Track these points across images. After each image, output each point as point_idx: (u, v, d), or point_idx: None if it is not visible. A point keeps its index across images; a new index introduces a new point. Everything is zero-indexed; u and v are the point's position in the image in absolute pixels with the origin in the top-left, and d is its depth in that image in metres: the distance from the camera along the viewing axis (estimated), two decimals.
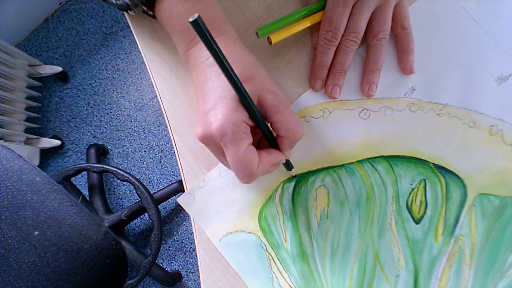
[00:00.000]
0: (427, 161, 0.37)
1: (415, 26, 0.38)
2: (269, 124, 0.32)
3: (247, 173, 0.30)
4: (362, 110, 0.38)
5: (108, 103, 1.31)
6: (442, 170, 0.37)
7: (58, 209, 0.47)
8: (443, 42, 0.39)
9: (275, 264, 0.37)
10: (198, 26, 0.23)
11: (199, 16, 0.23)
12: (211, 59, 0.31)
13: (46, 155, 1.29)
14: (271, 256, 0.37)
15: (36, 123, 1.28)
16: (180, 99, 0.40)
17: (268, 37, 0.37)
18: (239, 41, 0.34)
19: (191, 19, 0.22)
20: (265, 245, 0.37)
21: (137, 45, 0.42)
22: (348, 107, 0.39)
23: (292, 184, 0.38)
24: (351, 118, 0.38)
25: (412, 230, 0.36)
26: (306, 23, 0.38)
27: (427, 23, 0.39)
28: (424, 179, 0.37)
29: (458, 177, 0.36)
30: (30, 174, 0.49)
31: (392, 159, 0.37)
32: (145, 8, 0.36)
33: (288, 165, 0.37)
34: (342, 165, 0.38)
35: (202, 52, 0.33)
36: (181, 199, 0.38)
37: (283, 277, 0.37)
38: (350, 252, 0.37)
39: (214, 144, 0.30)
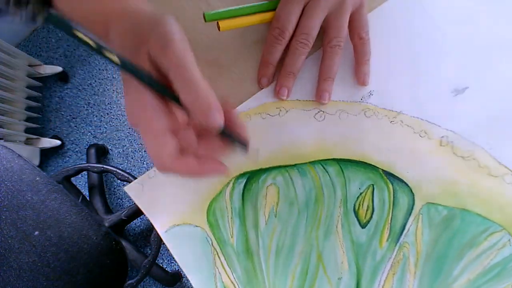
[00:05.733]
0: (376, 166, 0.35)
1: (378, 30, 0.37)
2: None
3: (156, 160, 0.24)
4: (318, 112, 0.37)
5: (108, 103, 1.29)
6: (391, 176, 0.35)
7: (58, 209, 0.46)
8: (404, 48, 0.38)
9: (219, 259, 0.35)
10: (55, 23, 0.20)
11: (51, 13, 0.19)
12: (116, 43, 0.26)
13: (46, 155, 1.26)
14: (216, 251, 0.35)
15: (36, 123, 1.26)
16: None
17: (217, 22, 0.35)
18: (142, 10, 0.27)
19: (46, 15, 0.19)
20: (211, 240, 0.35)
21: None
22: (305, 107, 0.37)
23: (244, 180, 0.37)
24: (306, 118, 0.37)
25: (357, 234, 0.34)
26: (260, 18, 0.36)
27: (391, 27, 0.38)
28: (373, 184, 0.35)
29: (407, 184, 0.35)
30: (31, 174, 0.48)
31: (343, 163, 0.36)
32: (47, 10, 0.30)
33: (242, 145, 0.27)
34: (295, 165, 0.36)
35: (114, 39, 0.27)
36: (129, 188, 0.36)
37: (226, 273, 0.35)
38: (295, 252, 0.35)
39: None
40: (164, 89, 0.24)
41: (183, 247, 0.36)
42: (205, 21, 0.35)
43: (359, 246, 0.34)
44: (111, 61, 0.22)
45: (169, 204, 0.37)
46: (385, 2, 0.39)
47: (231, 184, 0.37)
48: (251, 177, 0.37)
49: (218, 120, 0.24)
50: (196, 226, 0.36)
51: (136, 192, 0.37)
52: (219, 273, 0.35)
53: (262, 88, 0.38)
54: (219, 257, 0.35)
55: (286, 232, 0.35)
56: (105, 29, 0.28)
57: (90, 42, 0.22)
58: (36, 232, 0.44)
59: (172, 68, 0.23)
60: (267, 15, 0.37)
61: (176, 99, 0.24)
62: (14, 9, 0.29)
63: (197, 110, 0.23)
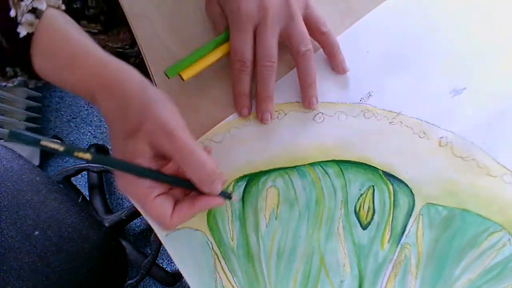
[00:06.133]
0: (376, 168, 0.35)
1: (376, 30, 0.37)
2: None
3: (162, 225, 0.28)
4: (317, 113, 0.37)
5: None
6: (391, 177, 0.35)
7: (58, 209, 0.45)
8: (402, 49, 0.38)
9: (220, 263, 0.35)
10: (19, 140, 0.20)
11: (11, 131, 0.20)
12: (105, 118, 0.29)
13: (46, 155, 1.25)
14: (217, 255, 0.35)
15: (36, 123, 1.24)
16: (180, 100, 0.38)
17: (179, 74, 0.35)
18: (128, 80, 0.29)
19: (5, 139, 0.19)
20: (211, 243, 0.35)
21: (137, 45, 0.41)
22: (303, 109, 0.37)
23: (244, 183, 0.36)
24: (305, 121, 0.37)
25: (358, 236, 0.34)
26: (217, 55, 0.36)
27: (389, 28, 0.38)
28: (373, 186, 0.35)
29: (407, 185, 0.35)
30: (30, 174, 0.47)
31: (343, 164, 0.36)
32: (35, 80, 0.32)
33: (225, 195, 0.32)
34: (294, 167, 0.36)
35: (100, 111, 0.29)
36: None
37: (227, 277, 0.34)
38: (296, 255, 0.34)
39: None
40: (144, 172, 0.27)
41: (184, 251, 0.35)
42: (169, 78, 0.35)
43: (361, 248, 0.34)
44: (83, 159, 0.24)
45: None
46: (383, 3, 0.39)
47: (230, 187, 0.36)
48: (251, 179, 0.36)
49: (219, 189, 0.30)
50: (196, 230, 0.35)
51: None
52: (220, 277, 0.34)
53: (244, 117, 0.37)
54: (219, 261, 0.35)
55: (287, 235, 0.35)
56: (93, 97, 0.29)
57: (60, 149, 0.22)
58: (36, 232, 0.43)
59: (179, 154, 0.27)
60: (224, 49, 0.36)
61: (161, 179, 0.28)
62: (3, 80, 0.31)
63: (204, 185, 0.29)
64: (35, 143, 0.21)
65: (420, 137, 0.36)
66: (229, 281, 0.34)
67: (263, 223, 0.35)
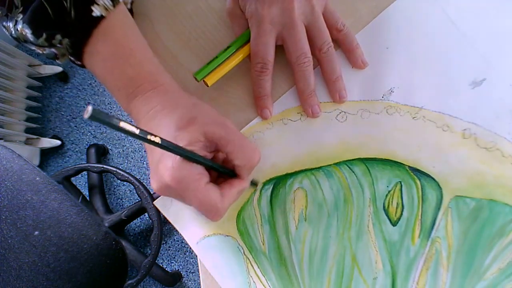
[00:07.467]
0: (402, 163, 0.35)
1: (394, 27, 0.37)
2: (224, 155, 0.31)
3: (214, 211, 0.29)
4: (340, 112, 0.37)
5: (108, 103, 1.28)
6: (418, 172, 0.35)
7: (58, 209, 0.45)
8: (421, 44, 0.38)
9: (253, 267, 0.35)
10: (99, 119, 0.20)
11: (93, 109, 0.19)
12: (152, 111, 0.30)
13: (46, 155, 1.25)
14: (249, 260, 0.35)
15: (36, 123, 1.24)
16: None
17: (203, 80, 0.35)
18: (177, 86, 0.33)
19: (86, 116, 0.19)
20: (242, 248, 0.35)
21: None
22: (326, 109, 0.37)
23: (270, 186, 0.36)
24: (328, 120, 0.37)
25: (389, 232, 0.34)
26: (239, 58, 0.36)
27: (407, 23, 0.38)
28: (400, 182, 0.35)
29: (434, 179, 0.35)
30: (30, 174, 0.47)
31: (369, 162, 0.36)
32: (72, 58, 0.33)
33: (253, 184, 0.35)
34: (320, 167, 0.36)
35: (143, 105, 0.31)
36: (158, 203, 0.36)
37: (261, 281, 0.34)
38: (328, 255, 0.34)
39: (174, 193, 0.29)
40: (203, 160, 0.29)
41: (216, 257, 0.35)
42: (198, 81, 0.35)
43: (392, 245, 0.34)
44: (152, 142, 0.24)
45: (198, 216, 0.36)
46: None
47: (257, 192, 0.36)
48: (278, 182, 0.36)
49: (258, 155, 0.31)
50: (227, 235, 0.35)
51: (165, 205, 0.36)
52: (254, 281, 0.34)
53: (265, 119, 0.37)
54: (252, 265, 0.35)
55: (318, 235, 0.35)
56: (133, 93, 0.31)
57: (136, 132, 0.22)
58: (36, 232, 0.43)
59: (233, 142, 0.29)
60: (245, 51, 0.37)
61: (212, 165, 0.29)
62: (43, 43, 0.30)
63: (249, 170, 0.31)
64: (113, 125, 0.21)
65: (443, 130, 0.36)
66: (262, 284, 0.34)
67: (293, 225, 0.35)
